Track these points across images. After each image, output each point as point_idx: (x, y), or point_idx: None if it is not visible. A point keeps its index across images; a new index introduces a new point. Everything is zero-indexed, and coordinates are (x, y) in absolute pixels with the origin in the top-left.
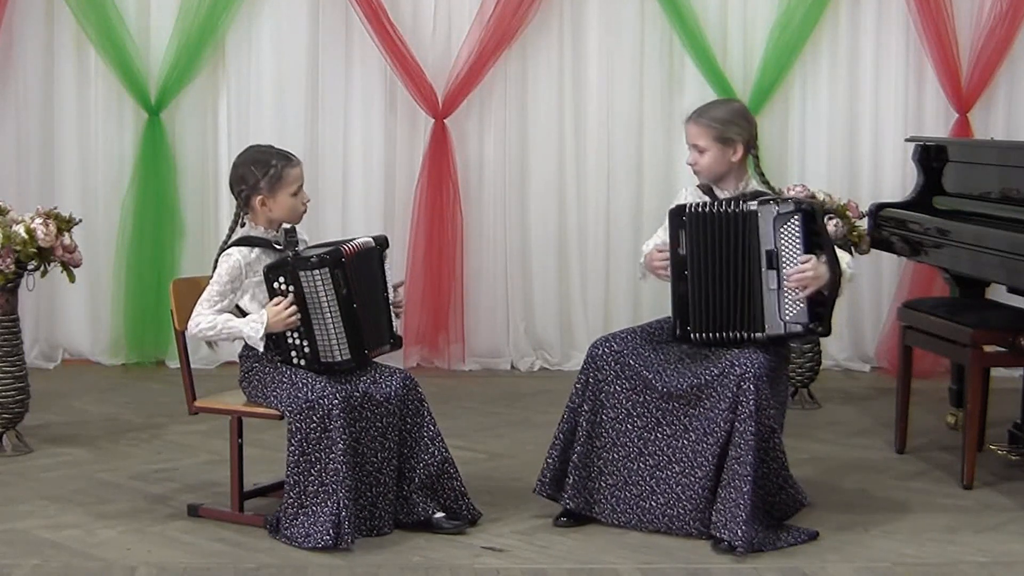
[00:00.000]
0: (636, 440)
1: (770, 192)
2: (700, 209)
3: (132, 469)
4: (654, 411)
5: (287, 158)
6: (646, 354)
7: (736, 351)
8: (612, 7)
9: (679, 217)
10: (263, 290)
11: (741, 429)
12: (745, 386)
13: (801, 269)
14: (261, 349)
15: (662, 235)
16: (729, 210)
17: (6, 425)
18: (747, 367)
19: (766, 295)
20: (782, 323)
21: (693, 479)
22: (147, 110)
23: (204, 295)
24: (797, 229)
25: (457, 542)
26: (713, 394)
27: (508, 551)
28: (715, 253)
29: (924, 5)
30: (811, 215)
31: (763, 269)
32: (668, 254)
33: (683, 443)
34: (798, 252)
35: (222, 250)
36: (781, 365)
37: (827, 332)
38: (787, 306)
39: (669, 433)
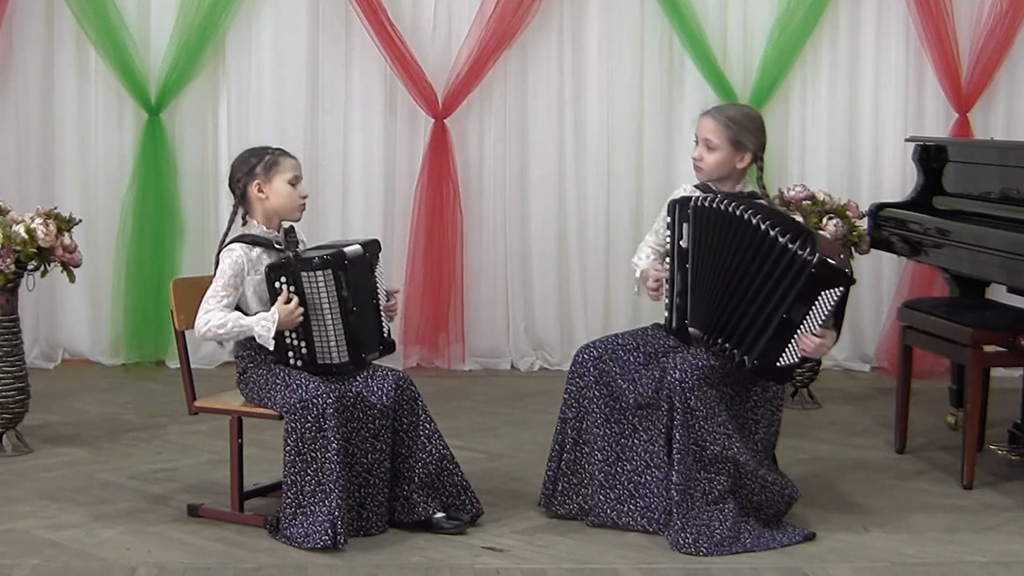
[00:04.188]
0: (614, 446)
1: (764, 199)
2: (711, 204)
3: (132, 469)
4: (631, 418)
5: (283, 151)
6: (625, 357)
7: (683, 353)
8: (612, 7)
9: (683, 209)
10: (264, 288)
11: (676, 435)
12: (682, 392)
13: (818, 343)
14: (271, 348)
15: (651, 247)
16: (756, 223)
17: (6, 425)
18: (686, 374)
19: (772, 334)
20: (771, 367)
21: (662, 481)
22: (147, 110)
23: (209, 292)
24: (834, 300)
25: (457, 542)
26: (662, 397)
27: (508, 551)
28: (723, 254)
29: (924, 5)
30: (848, 290)
31: (784, 314)
32: (663, 273)
33: (657, 447)
34: (820, 319)
35: (222, 246)
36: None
37: (788, 382)
38: (786, 355)
39: (646, 439)
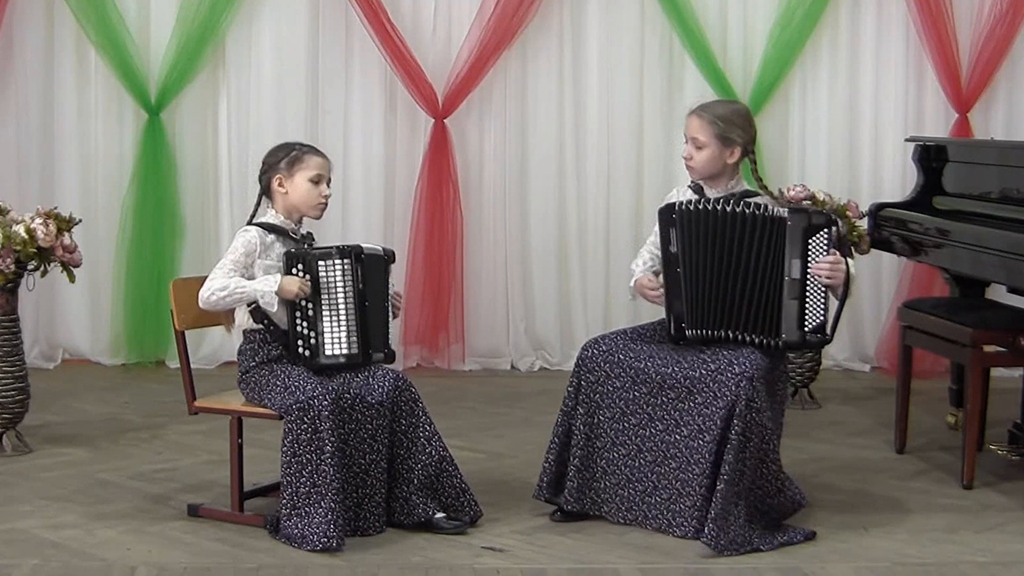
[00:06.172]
0: (633, 438)
1: (764, 194)
2: (693, 207)
3: (132, 469)
4: (645, 407)
5: (313, 148)
6: (637, 348)
7: (734, 350)
8: (612, 7)
9: (669, 215)
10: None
11: (733, 428)
12: (743, 385)
13: (831, 262)
14: (274, 308)
15: (649, 251)
16: (731, 210)
17: (6, 425)
18: (746, 367)
19: (786, 303)
20: (801, 333)
21: (691, 475)
22: (147, 110)
23: (217, 265)
24: (824, 241)
25: (457, 542)
26: (707, 390)
27: (508, 551)
28: (713, 250)
29: (924, 5)
30: (838, 229)
31: (786, 278)
32: (660, 279)
33: (676, 438)
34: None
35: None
36: (779, 367)
37: (831, 340)
38: (808, 316)
39: (662, 428)
